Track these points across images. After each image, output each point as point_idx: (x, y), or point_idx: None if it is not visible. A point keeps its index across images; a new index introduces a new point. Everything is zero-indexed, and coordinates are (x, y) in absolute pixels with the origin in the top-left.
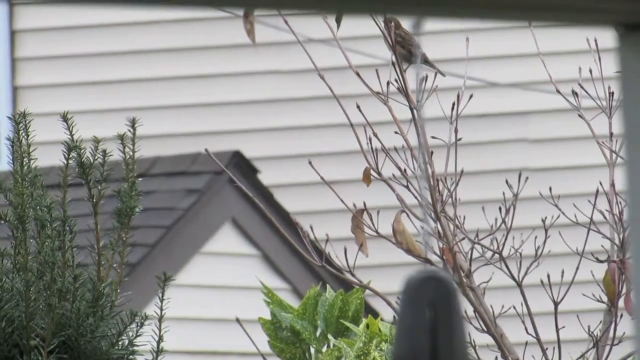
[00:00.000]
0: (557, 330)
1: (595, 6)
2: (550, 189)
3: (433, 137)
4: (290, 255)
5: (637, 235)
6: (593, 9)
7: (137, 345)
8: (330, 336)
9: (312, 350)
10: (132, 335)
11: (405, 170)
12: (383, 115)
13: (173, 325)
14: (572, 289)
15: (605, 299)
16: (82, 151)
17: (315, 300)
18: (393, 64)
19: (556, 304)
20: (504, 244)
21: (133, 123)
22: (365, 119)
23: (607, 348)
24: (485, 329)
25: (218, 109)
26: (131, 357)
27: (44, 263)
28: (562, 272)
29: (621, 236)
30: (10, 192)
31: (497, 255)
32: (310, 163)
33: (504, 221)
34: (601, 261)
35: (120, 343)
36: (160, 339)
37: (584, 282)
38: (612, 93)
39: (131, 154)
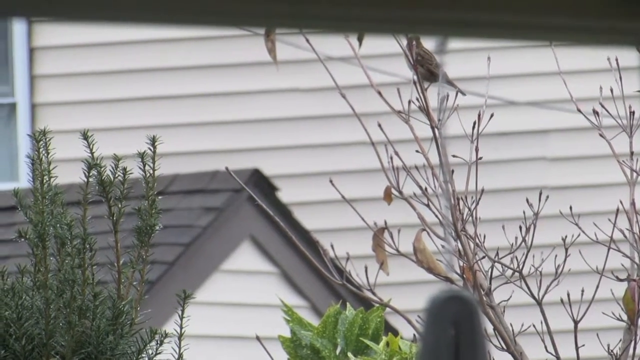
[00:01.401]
0: (577, 348)
1: (617, 26)
2: (570, 207)
3: (454, 156)
4: (309, 273)
5: None
6: (614, 30)
7: None
8: (350, 354)
9: None
10: (152, 353)
11: (426, 188)
12: (404, 133)
13: (193, 343)
14: (592, 308)
15: (625, 317)
16: (102, 169)
17: (335, 318)
18: (414, 82)
19: (576, 322)
20: (524, 263)
21: (153, 141)
22: (387, 137)
23: None
24: (505, 347)
25: (238, 127)
26: None
27: (64, 281)
28: (582, 290)
29: None
30: (31, 210)
31: (517, 274)
32: (331, 181)
33: (524, 239)
34: (621, 280)
35: None
36: (180, 356)
37: (604, 300)
38: (633, 112)
39: (151, 171)
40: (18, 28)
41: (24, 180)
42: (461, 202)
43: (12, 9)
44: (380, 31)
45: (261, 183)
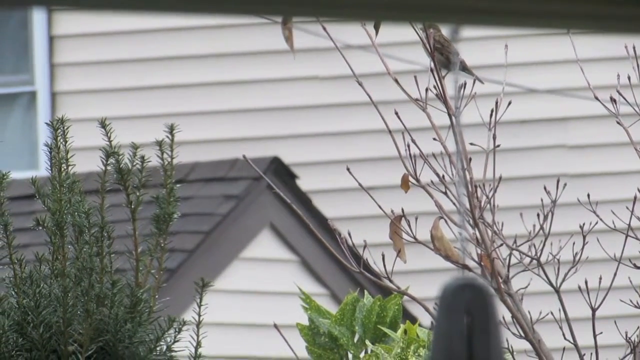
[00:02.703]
0: (595, 336)
1: (636, 14)
2: (588, 195)
3: (471, 144)
4: (328, 260)
5: None
6: (633, 17)
7: (175, 351)
8: (368, 342)
9: (350, 356)
10: (170, 341)
11: (443, 176)
12: (421, 121)
13: (211, 331)
14: (609, 295)
15: None
16: (120, 157)
17: (353, 306)
18: (431, 70)
19: (594, 310)
20: (542, 250)
21: (171, 129)
22: (404, 125)
23: None
24: (523, 334)
25: (257, 115)
26: None
27: (82, 269)
28: (600, 278)
29: None
30: (49, 198)
31: (535, 262)
32: (348, 169)
33: (542, 227)
34: (639, 267)
35: (158, 349)
36: (198, 344)
37: (622, 288)
38: None
39: (169, 160)
40: (38, 17)
41: (43, 169)
42: (479, 190)
43: None
44: (396, 19)
45: (280, 171)
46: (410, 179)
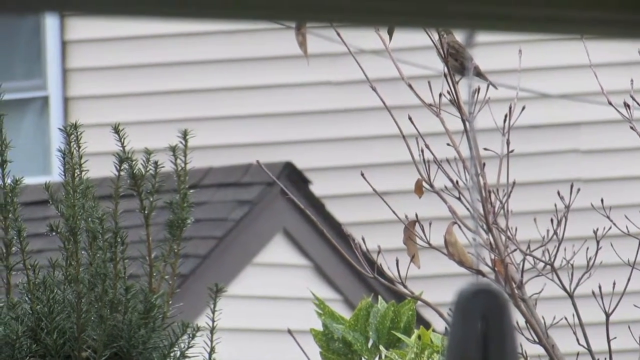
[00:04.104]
0: (609, 340)
1: None
2: (601, 200)
3: (485, 149)
4: (342, 266)
5: None
6: None
7: (189, 357)
8: (382, 347)
9: None
10: (184, 347)
11: (457, 181)
12: (435, 126)
13: (225, 337)
14: (623, 300)
15: None
16: (133, 162)
17: (367, 312)
18: (445, 75)
19: (607, 315)
20: (555, 255)
21: (185, 134)
22: (417, 130)
23: None
24: (537, 339)
25: (270, 120)
26: None
27: (95, 274)
28: (614, 283)
29: None
30: (62, 204)
31: (548, 267)
32: (362, 174)
33: (555, 232)
34: None
35: (172, 354)
36: (212, 350)
37: (636, 292)
38: None
39: (183, 165)
40: (51, 22)
41: (56, 174)
42: (492, 195)
43: (44, 4)
44: (410, 25)
45: (293, 176)
46: (424, 184)
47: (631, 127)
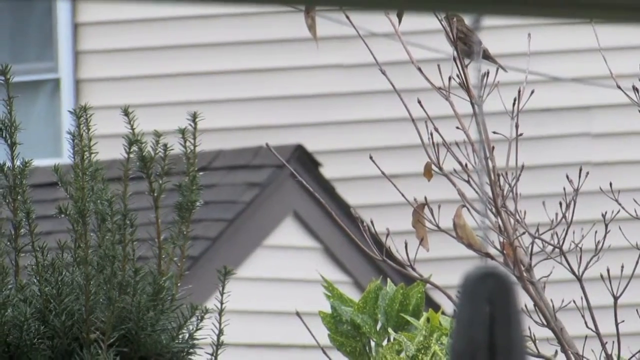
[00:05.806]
0: (617, 324)
1: None
2: (610, 183)
3: (494, 132)
4: (351, 248)
5: None
6: None
7: (198, 339)
8: (390, 330)
9: (373, 344)
10: (193, 329)
11: (466, 164)
12: (444, 109)
13: (234, 319)
14: (631, 283)
15: None
16: (143, 145)
17: (375, 294)
18: (454, 59)
19: (616, 298)
20: (564, 239)
21: (194, 117)
22: (427, 113)
23: None
24: (545, 322)
25: (280, 103)
26: (191, 350)
27: (104, 257)
28: (622, 266)
29: None
30: (71, 186)
31: (557, 250)
32: (371, 157)
33: (564, 216)
34: None
35: (180, 336)
36: (221, 332)
37: None
38: None
39: (192, 147)
40: (62, 4)
41: (66, 157)
42: (501, 178)
43: None
44: (418, 8)
45: (304, 159)
46: (433, 167)
47: (639, 111)
